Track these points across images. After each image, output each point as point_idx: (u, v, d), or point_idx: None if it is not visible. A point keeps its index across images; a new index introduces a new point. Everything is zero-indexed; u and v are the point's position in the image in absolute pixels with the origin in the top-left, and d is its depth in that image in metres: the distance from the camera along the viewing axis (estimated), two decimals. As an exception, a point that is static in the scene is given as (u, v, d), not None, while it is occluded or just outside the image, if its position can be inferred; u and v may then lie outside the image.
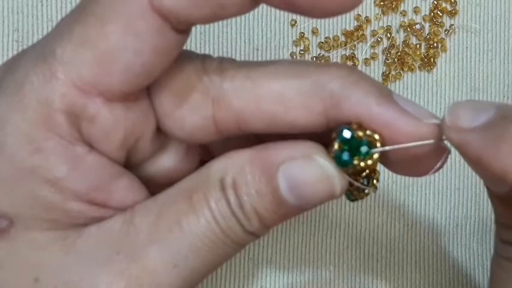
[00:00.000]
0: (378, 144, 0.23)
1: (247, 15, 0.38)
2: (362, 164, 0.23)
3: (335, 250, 0.38)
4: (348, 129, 0.23)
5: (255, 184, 0.23)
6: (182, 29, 0.23)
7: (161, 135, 0.26)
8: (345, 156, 0.23)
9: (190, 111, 0.24)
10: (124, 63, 0.22)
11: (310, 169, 0.23)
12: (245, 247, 0.25)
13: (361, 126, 0.23)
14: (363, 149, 0.23)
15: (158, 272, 0.23)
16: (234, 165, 0.24)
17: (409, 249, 0.39)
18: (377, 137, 0.23)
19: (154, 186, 0.27)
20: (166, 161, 0.26)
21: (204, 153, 0.28)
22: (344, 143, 0.23)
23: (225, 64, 0.24)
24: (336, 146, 0.23)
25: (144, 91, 0.24)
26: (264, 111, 0.24)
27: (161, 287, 0.23)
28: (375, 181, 0.24)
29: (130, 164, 0.25)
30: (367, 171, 0.24)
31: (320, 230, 0.38)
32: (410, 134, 0.23)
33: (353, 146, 0.23)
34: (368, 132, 0.23)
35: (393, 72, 0.38)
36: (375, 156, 0.23)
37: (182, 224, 0.23)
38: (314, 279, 0.38)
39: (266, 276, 0.38)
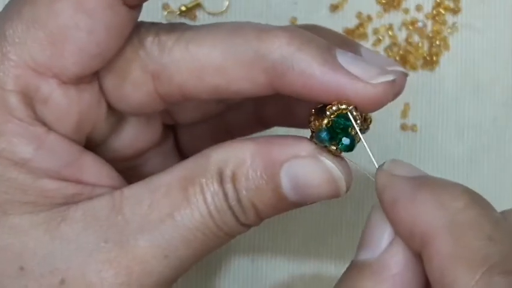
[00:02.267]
0: (343, 106, 0.23)
1: (246, 13, 0.37)
2: (358, 127, 0.23)
3: (336, 251, 0.38)
4: (320, 131, 0.23)
5: (256, 179, 0.23)
6: (135, 3, 0.23)
7: (117, 111, 0.26)
8: (347, 141, 0.23)
9: (132, 89, 0.24)
10: (77, 44, 0.22)
11: (317, 170, 0.23)
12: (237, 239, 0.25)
13: (318, 113, 0.23)
14: (345, 122, 0.23)
15: (149, 262, 0.23)
16: (234, 157, 0.23)
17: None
18: (334, 108, 0.23)
19: (122, 161, 0.27)
20: (127, 134, 0.27)
21: (164, 116, 0.28)
22: (332, 139, 0.23)
23: (162, 35, 0.24)
24: (332, 147, 0.23)
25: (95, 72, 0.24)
26: (207, 83, 0.24)
27: (152, 276, 0.23)
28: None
29: (92, 144, 0.26)
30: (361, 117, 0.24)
31: (321, 231, 0.38)
32: (359, 98, 0.23)
33: (338, 130, 0.23)
34: (328, 112, 0.23)
35: (395, 71, 0.38)
36: (355, 113, 0.23)
37: (176, 217, 0.23)
38: (314, 280, 0.38)
39: (266, 277, 0.37)
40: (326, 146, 0.23)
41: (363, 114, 0.24)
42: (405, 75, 0.24)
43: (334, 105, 0.23)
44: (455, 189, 0.21)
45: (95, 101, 0.24)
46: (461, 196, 0.21)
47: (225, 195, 0.23)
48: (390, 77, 0.23)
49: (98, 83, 0.24)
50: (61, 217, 0.23)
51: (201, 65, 0.23)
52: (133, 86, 0.24)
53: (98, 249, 0.23)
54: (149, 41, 0.24)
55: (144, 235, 0.23)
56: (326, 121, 0.23)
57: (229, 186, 0.23)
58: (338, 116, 0.23)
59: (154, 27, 0.24)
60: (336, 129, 0.23)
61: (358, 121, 0.23)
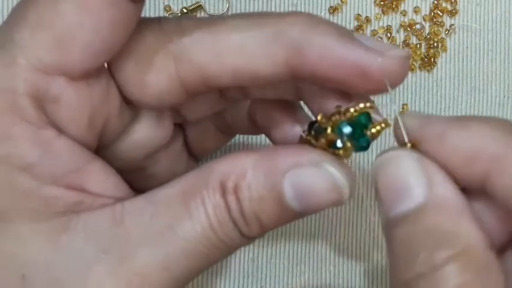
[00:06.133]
0: (368, 104, 0.23)
1: (246, 11, 0.38)
2: (374, 130, 0.23)
3: (335, 250, 0.38)
4: (343, 124, 0.23)
5: (259, 190, 0.23)
6: None
7: (129, 108, 0.26)
8: (363, 142, 0.23)
9: (154, 74, 0.24)
10: (83, 41, 0.22)
11: (320, 178, 0.23)
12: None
13: (316, 130, 0.23)
14: (367, 121, 0.23)
15: (149, 274, 0.23)
16: (236, 168, 0.23)
17: (409, 249, 0.39)
18: (352, 109, 0.23)
19: (132, 162, 0.27)
20: (139, 134, 0.26)
21: (176, 116, 0.28)
22: (352, 135, 0.23)
23: (184, 21, 0.24)
24: (348, 144, 0.23)
25: (103, 65, 0.24)
26: (226, 64, 0.24)
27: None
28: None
29: (102, 144, 0.25)
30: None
31: (320, 230, 0.38)
32: (377, 69, 0.23)
33: (357, 128, 0.23)
34: (352, 109, 0.23)
35: (393, 72, 0.38)
36: (370, 112, 0.23)
37: (177, 230, 0.23)
38: (314, 279, 0.38)
39: (266, 276, 0.38)
40: (335, 148, 0.23)
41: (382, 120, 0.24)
42: (408, 58, 0.24)
43: (356, 105, 0.23)
44: (501, 122, 0.22)
45: (105, 93, 0.24)
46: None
47: (228, 207, 0.23)
48: (403, 52, 0.23)
49: (107, 76, 0.24)
50: (62, 228, 0.23)
51: (221, 45, 0.24)
52: (155, 70, 0.24)
53: (97, 261, 0.23)
54: (171, 27, 0.24)
55: (145, 247, 0.23)
56: (349, 115, 0.23)
57: (231, 198, 0.23)
58: (360, 114, 0.23)
59: (176, 17, 0.25)
60: (356, 126, 0.23)
61: (380, 118, 0.23)
